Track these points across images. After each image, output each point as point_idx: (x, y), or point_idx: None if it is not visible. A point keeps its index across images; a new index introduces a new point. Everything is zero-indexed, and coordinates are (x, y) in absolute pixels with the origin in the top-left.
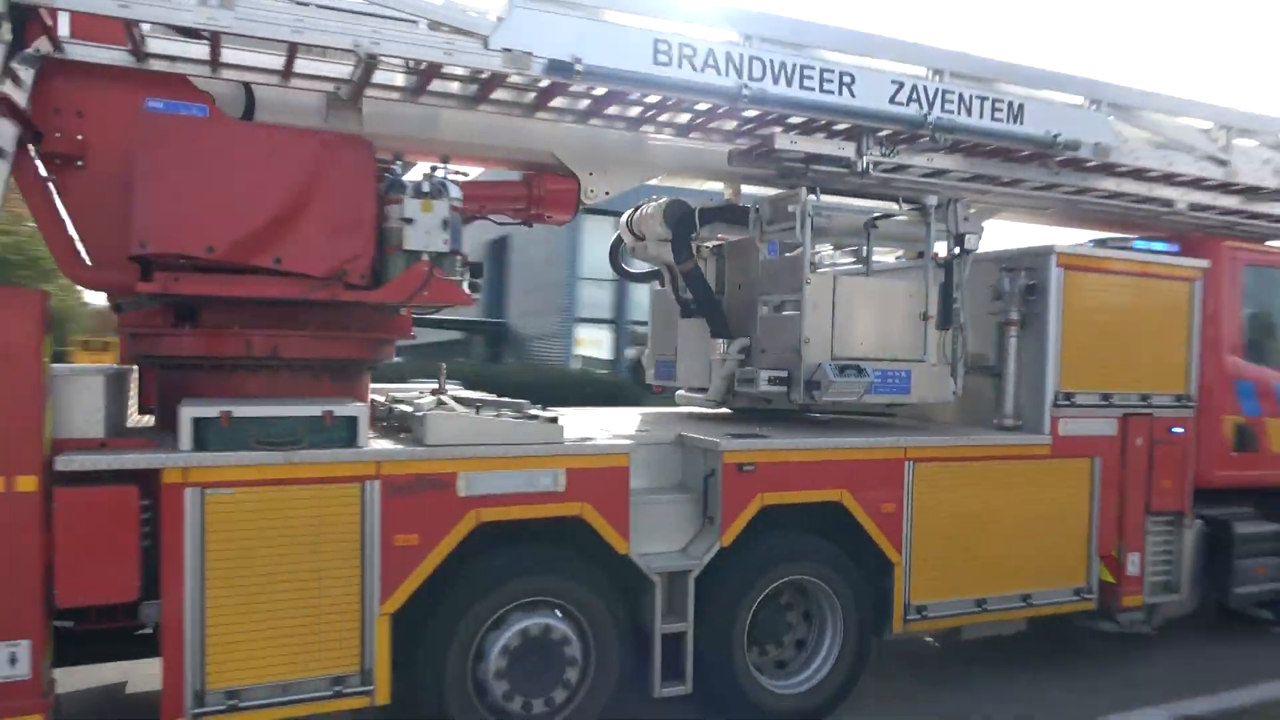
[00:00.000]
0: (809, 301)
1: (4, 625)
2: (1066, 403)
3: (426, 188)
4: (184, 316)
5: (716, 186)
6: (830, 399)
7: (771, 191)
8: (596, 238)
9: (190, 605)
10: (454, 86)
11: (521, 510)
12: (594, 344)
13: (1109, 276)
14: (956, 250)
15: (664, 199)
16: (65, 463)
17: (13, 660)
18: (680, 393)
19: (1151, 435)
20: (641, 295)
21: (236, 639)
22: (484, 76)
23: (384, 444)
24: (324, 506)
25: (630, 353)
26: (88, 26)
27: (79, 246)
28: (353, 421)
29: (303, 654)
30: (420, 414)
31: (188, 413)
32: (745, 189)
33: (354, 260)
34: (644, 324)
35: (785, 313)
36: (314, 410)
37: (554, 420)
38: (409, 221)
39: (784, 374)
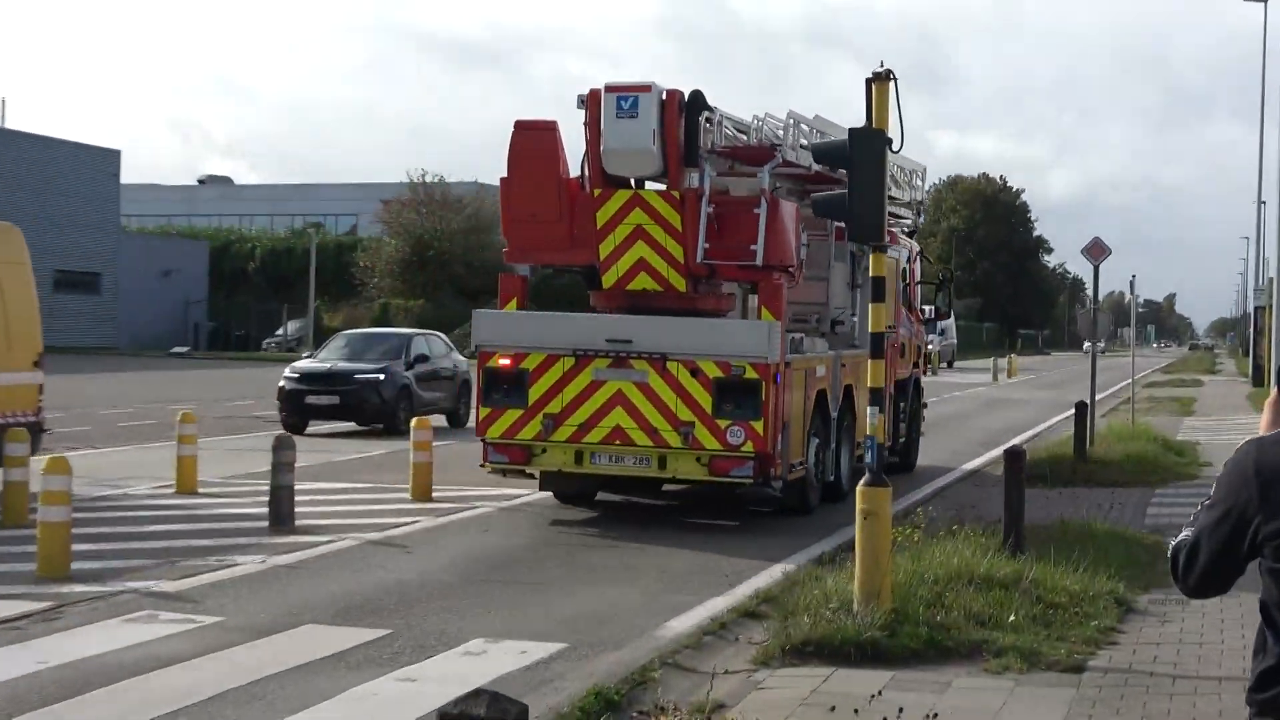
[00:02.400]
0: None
1: (796, 445)
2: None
3: None
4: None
5: None
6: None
7: None
8: None
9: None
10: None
11: (823, 384)
12: None
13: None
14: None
15: None
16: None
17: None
18: None
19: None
20: None
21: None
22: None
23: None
24: (805, 380)
25: None
26: None
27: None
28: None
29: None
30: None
31: (788, 339)
32: None
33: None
34: None
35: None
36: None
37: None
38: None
39: (816, 319)
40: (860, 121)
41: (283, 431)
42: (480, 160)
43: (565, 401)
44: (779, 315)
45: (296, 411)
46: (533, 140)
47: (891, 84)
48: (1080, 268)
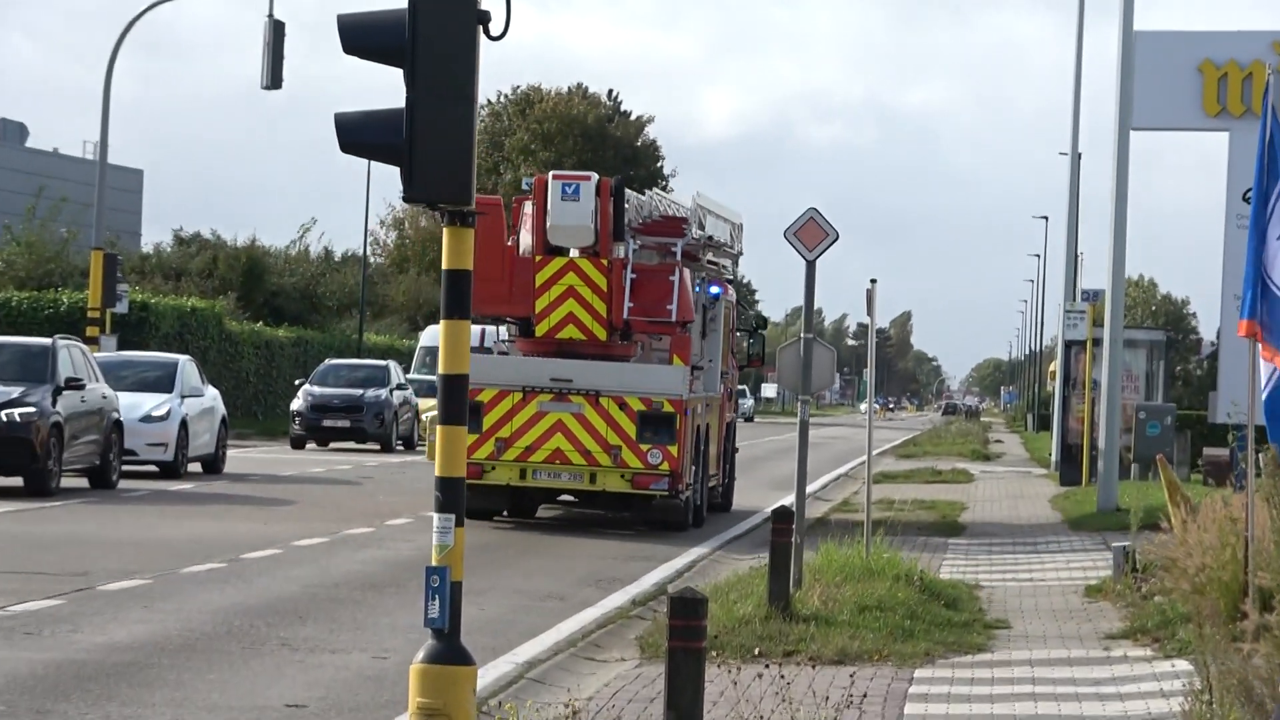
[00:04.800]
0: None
1: (688, 470)
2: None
3: None
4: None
5: None
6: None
7: None
8: None
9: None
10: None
11: (700, 420)
12: None
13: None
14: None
15: None
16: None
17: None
18: None
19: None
20: None
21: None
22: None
23: None
24: (694, 417)
25: None
26: None
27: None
28: None
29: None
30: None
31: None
32: None
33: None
34: None
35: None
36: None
37: None
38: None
39: None
40: None
41: None
42: None
43: (514, 428)
44: (687, 361)
45: None
46: (483, 212)
47: None
48: (755, 265)
